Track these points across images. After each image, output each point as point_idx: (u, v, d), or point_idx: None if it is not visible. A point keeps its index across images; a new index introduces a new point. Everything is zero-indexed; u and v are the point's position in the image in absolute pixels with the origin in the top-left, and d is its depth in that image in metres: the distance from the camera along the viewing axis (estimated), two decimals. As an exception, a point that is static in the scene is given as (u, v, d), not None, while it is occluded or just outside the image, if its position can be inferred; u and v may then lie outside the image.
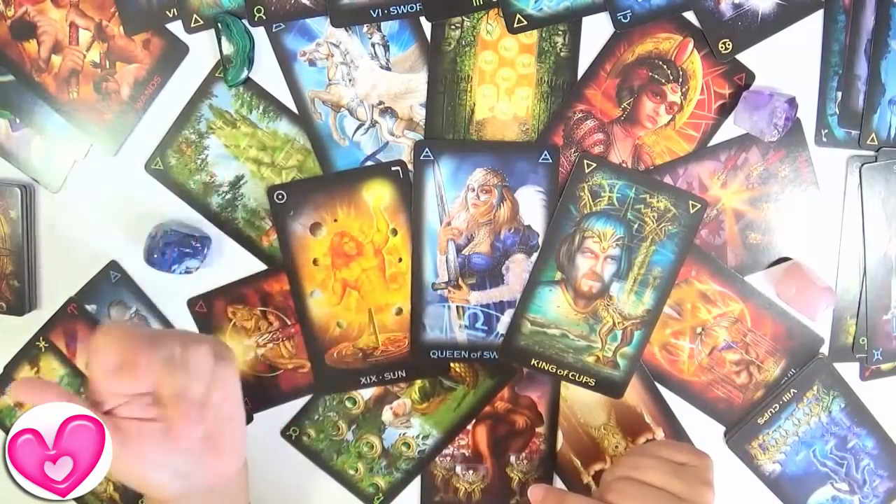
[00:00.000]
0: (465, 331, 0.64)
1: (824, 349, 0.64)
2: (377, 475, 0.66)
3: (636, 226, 0.61)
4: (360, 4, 0.59)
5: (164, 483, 0.50)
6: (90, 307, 0.64)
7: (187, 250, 0.60)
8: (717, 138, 0.61)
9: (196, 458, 0.51)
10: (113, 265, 0.63)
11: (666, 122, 0.61)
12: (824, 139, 0.62)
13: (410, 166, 0.62)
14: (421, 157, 0.61)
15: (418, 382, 0.65)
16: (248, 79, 0.61)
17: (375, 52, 0.61)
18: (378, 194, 0.62)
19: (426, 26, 0.60)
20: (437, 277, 0.63)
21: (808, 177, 0.62)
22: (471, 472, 0.66)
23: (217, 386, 0.51)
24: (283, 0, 0.60)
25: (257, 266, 0.64)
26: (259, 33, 0.60)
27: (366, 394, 0.65)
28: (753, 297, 0.63)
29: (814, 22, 0.60)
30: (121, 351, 0.49)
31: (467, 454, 0.66)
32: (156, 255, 0.60)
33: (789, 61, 0.61)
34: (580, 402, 0.65)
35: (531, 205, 0.62)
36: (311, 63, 0.61)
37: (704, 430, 0.65)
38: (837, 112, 0.61)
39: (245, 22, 0.60)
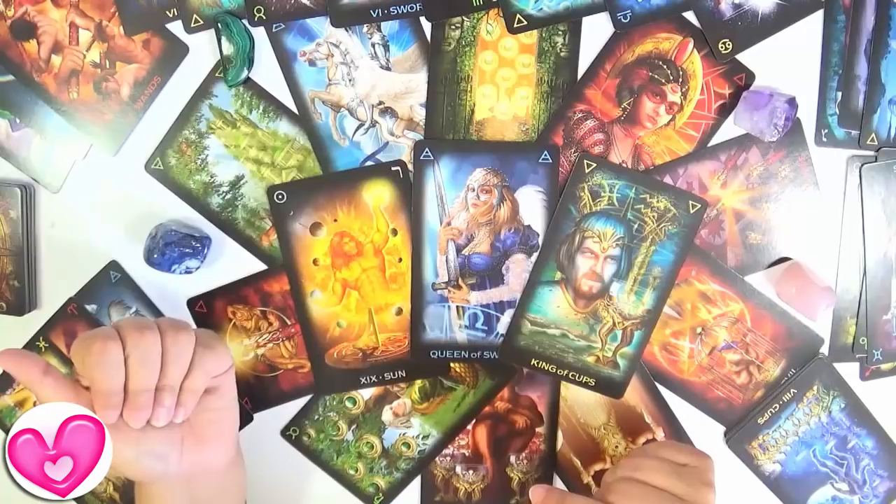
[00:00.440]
0: (465, 331, 0.64)
1: (824, 349, 0.64)
2: (377, 475, 0.66)
3: (636, 226, 0.61)
4: (360, 4, 0.59)
5: (130, 460, 0.50)
6: (90, 307, 0.64)
7: (187, 250, 0.60)
8: (717, 138, 0.61)
9: (172, 442, 0.51)
10: (113, 265, 0.63)
11: (666, 122, 0.61)
12: (824, 139, 0.62)
13: (410, 166, 0.62)
14: (421, 157, 0.61)
15: (418, 382, 0.65)
16: (248, 79, 0.61)
17: (375, 52, 0.61)
18: (378, 194, 0.62)
19: (426, 26, 0.60)
20: (437, 277, 0.63)
21: (808, 177, 0.62)
22: (471, 472, 0.66)
23: (197, 375, 0.51)
24: (283, 0, 0.60)
25: (257, 266, 0.64)
26: (259, 33, 0.60)
27: (366, 394, 0.65)
28: (753, 297, 0.63)
29: (814, 22, 0.60)
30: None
31: (467, 454, 0.66)
32: (156, 255, 0.60)
33: (789, 61, 0.61)
34: (580, 402, 0.65)
35: (531, 205, 0.62)
36: (311, 63, 0.61)
37: (704, 430, 0.65)
38: (837, 112, 0.61)
39: (245, 22, 0.60)
